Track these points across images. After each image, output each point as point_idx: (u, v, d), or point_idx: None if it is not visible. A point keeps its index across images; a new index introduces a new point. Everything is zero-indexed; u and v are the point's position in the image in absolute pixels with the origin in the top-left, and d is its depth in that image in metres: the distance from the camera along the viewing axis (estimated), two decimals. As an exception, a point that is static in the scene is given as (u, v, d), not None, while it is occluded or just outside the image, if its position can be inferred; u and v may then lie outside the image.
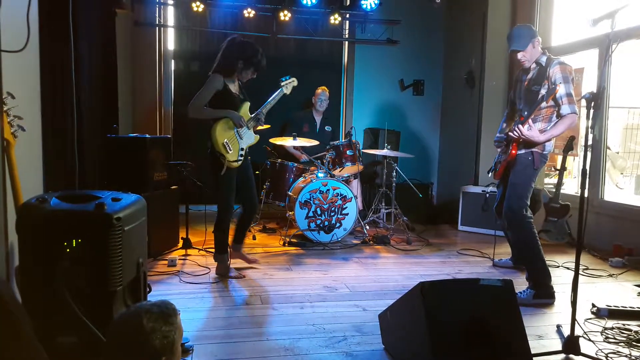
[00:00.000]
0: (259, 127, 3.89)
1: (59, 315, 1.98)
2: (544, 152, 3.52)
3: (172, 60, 6.57)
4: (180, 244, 4.57)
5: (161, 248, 4.37)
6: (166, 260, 4.12)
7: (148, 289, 3.18)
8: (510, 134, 3.49)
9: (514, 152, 3.51)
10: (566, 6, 5.69)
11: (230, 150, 3.64)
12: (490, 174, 3.85)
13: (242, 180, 3.81)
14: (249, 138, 3.80)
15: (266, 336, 2.78)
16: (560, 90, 3.34)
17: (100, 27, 4.91)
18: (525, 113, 3.47)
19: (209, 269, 3.94)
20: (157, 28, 6.32)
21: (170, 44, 6.55)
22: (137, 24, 6.13)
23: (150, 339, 1.57)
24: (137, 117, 6.21)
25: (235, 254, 3.99)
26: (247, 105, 3.80)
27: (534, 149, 3.47)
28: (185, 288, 3.53)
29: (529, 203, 3.54)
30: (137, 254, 2.24)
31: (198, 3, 6.01)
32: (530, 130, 3.37)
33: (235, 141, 3.69)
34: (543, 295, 3.41)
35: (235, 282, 3.58)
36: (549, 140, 3.45)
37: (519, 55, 3.52)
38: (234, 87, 3.72)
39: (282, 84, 3.92)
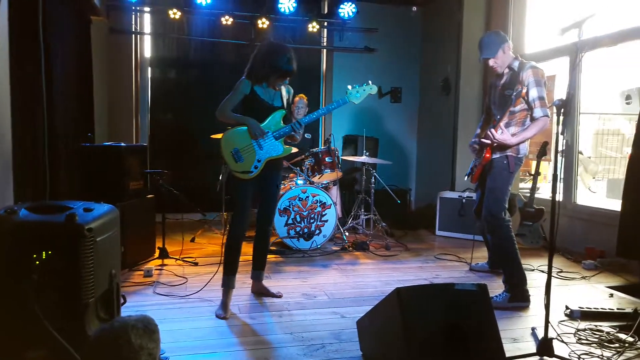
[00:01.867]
0: (294, 140, 3.49)
1: (29, 330, 1.94)
2: (519, 156, 3.55)
3: (149, 68, 6.52)
4: (156, 254, 4.51)
5: (137, 258, 4.31)
6: (142, 270, 4.07)
7: (122, 301, 3.16)
8: (483, 139, 3.54)
9: (487, 155, 3.55)
10: (539, 15, 5.81)
11: (241, 160, 3.30)
12: (467, 177, 3.89)
13: (262, 196, 3.50)
14: (273, 150, 3.35)
15: (244, 346, 2.76)
16: (533, 93, 3.39)
17: (74, 35, 4.85)
18: (498, 117, 3.51)
19: (186, 279, 3.91)
20: (133, 35, 6.27)
21: (147, 51, 6.51)
22: (112, 32, 6.08)
23: (138, 356, 1.56)
24: (114, 126, 6.14)
25: (254, 284, 3.64)
26: (279, 113, 3.39)
27: (508, 153, 3.50)
28: (161, 299, 3.48)
29: (507, 206, 3.59)
30: (109, 265, 2.21)
31: (175, 10, 6.00)
32: (502, 134, 3.41)
33: (251, 151, 3.31)
34: (519, 298, 3.45)
35: (214, 292, 3.54)
36: (521, 142, 3.49)
37: (490, 62, 3.57)
38: (265, 93, 3.36)
39: (349, 92, 3.44)
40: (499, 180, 3.55)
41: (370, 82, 3.48)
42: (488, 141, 3.48)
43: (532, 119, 3.46)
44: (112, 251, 2.26)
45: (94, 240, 2.03)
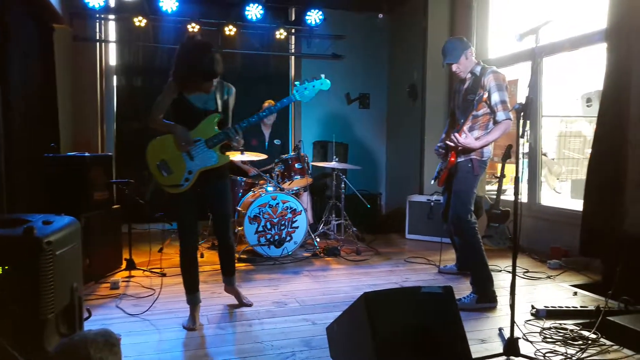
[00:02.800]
0: (235, 150, 3.26)
1: (-15, 347, 1.88)
2: (483, 159, 3.62)
3: (115, 76, 6.42)
4: (123, 266, 4.43)
5: (103, 270, 4.22)
6: (109, 283, 3.99)
7: (87, 314, 3.09)
8: (448, 142, 3.60)
9: (452, 159, 3.62)
10: (501, 21, 5.94)
11: (169, 172, 3.03)
12: (433, 181, 3.96)
13: (210, 208, 3.33)
14: (206, 159, 3.04)
15: (212, 357, 2.72)
16: (495, 97, 3.48)
17: (36, 43, 4.75)
18: (462, 121, 3.57)
19: (154, 290, 3.84)
20: (98, 43, 6.17)
21: (112, 59, 6.41)
22: (76, 39, 5.98)
23: None
24: (79, 135, 6.02)
25: (227, 288, 3.53)
26: (213, 118, 3.04)
27: (472, 156, 3.57)
28: (128, 311, 3.41)
29: (472, 208, 3.66)
30: (71, 278, 2.16)
31: (140, 18, 5.94)
32: (466, 137, 3.48)
33: (180, 162, 3.03)
34: (486, 299, 3.50)
35: (182, 303, 3.49)
36: (485, 146, 3.56)
37: (454, 67, 3.65)
38: (196, 96, 3.05)
39: (297, 88, 3.17)
40: (464, 183, 3.62)
41: (322, 75, 3.17)
42: (453, 144, 3.54)
43: (495, 123, 3.54)
44: (73, 264, 2.21)
45: (53, 253, 1.98)
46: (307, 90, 3.13)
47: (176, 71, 2.98)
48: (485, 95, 3.44)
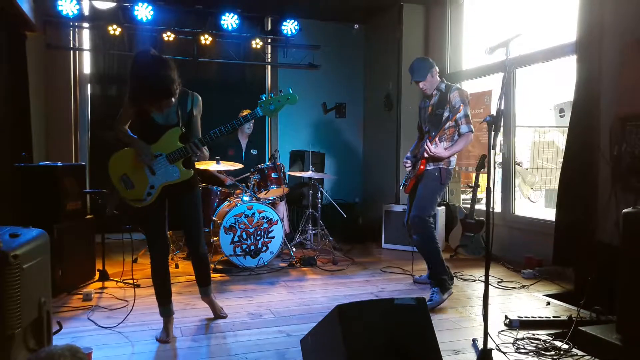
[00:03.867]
0: (201, 160, 3.14)
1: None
2: (449, 168, 3.93)
3: (89, 84, 6.34)
4: (96, 277, 4.35)
5: (76, 281, 4.14)
6: (81, 294, 3.91)
7: (58, 327, 3.03)
8: (423, 153, 3.83)
9: (422, 167, 3.88)
10: (475, 33, 6.05)
11: (132, 186, 2.97)
12: (401, 188, 4.18)
13: (180, 219, 3.18)
14: (168, 175, 2.96)
15: (185, 370, 2.69)
16: (459, 113, 3.79)
17: (8, 51, 4.67)
18: (433, 133, 3.83)
19: (127, 301, 3.77)
20: (71, 51, 6.09)
21: (86, 67, 6.32)
22: (49, 47, 5.90)
23: None
24: (51, 144, 5.93)
25: (203, 298, 3.45)
26: (174, 132, 2.94)
27: (441, 165, 3.87)
28: (100, 323, 3.34)
29: (432, 213, 3.89)
30: (38, 292, 2.10)
31: (115, 26, 5.88)
32: (437, 147, 3.75)
33: (142, 176, 2.95)
34: (445, 289, 3.74)
35: (155, 314, 3.43)
36: (452, 155, 3.87)
37: (421, 85, 3.97)
38: (155, 111, 2.90)
39: (262, 102, 3.02)
40: (429, 188, 3.88)
41: (290, 89, 3.08)
42: (426, 154, 3.79)
43: (459, 134, 3.86)
44: (41, 278, 2.16)
45: (19, 267, 1.93)
46: (272, 106, 3.02)
47: (130, 90, 2.80)
48: (452, 113, 3.75)
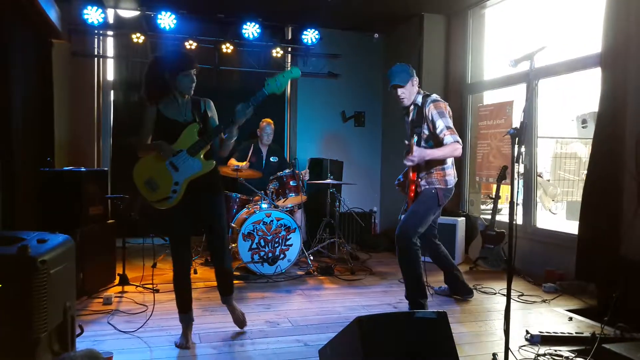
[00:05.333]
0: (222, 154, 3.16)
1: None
2: (448, 187, 3.71)
3: (112, 91, 6.44)
4: (116, 281, 4.40)
5: (96, 285, 4.20)
6: (101, 298, 3.96)
7: (80, 331, 3.06)
8: (406, 162, 3.56)
9: (412, 194, 3.68)
10: (497, 42, 6.02)
11: (156, 187, 3.01)
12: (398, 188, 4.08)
13: (204, 225, 3.20)
14: (191, 167, 3.01)
15: (204, 377, 2.70)
16: (439, 125, 3.55)
17: (35, 58, 4.78)
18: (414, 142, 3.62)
19: (146, 306, 3.81)
20: (95, 58, 6.20)
21: (110, 74, 6.43)
22: (75, 55, 6.01)
23: None
24: (75, 150, 6.02)
25: (227, 306, 3.40)
26: (192, 128, 3.04)
27: (437, 186, 3.67)
28: (120, 328, 3.38)
29: (420, 232, 3.69)
30: (64, 297, 2.14)
31: (138, 34, 5.97)
32: (416, 150, 3.50)
33: (166, 175, 3.00)
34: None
35: (174, 320, 3.46)
36: (433, 157, 3.57)
37: (399, 92, 3.67)
38: (172, 112, 3.06)
39: (267, 82, 3.02)
40: (423, 206, 3.68)
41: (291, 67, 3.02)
42: (410, 162, 3.54)
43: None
44: (66, 283, 2.19)
45: (47, 272, 1.96)
46: (278, 82, 3.02)
47: (151, 87, 3.03)
48: (432, 130, 3.56)
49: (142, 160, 3.07)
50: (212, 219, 3.15)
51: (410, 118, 3.74)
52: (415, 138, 3.60)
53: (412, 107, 3.73)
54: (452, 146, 3.52)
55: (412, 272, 3.67)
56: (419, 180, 3.72)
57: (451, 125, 3.59)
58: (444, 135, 3.54)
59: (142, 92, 3.07)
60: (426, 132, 3.62)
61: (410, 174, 3.71)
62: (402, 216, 3.82)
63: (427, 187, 3.70)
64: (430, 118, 3.58)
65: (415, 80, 3.69)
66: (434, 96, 3.70)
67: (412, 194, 3.69)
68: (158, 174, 3.01)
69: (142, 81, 3.08)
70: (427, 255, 4.29)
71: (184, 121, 3.06)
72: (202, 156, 3.05)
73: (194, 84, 3.06)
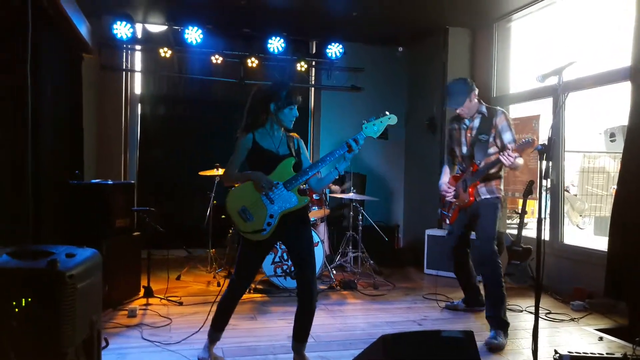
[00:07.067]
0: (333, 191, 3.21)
1: (4, 380, 1.88)
2: (502, 195, 3.82)
3: (139, 104, 6.56)
4: (141, 293, 4.44)
5: (121, 297, 4.24)
6: (126, 310, 4.00)
7: (105, 344, 3.10)
8: (504, 160, 3.47)
9: (472, 198, 3.75)
10: (523, 55, 5.95)
11: (251, 219, 2.93)
12: (447, 220, 4.04)
13: (291, 255, 3.17)
14: (286, 201, 2.94)
15: (227, 392, 2.69)
16: (507, 137, 3.68)
17: (65, 72, 4.89)
18: (478, 161, 3.70)
19: (170, 319, 3.83)
20: (124, 72, 6.33)
21: (137, 88, 6.56)
22: (104, 68, 6.14)
23: None
24: (102, 162, 6.13)
25: (295, 356, 3.11)
26: (288, 162, 3.00)
27: (497, 194, 3.75)
28: (144, 341, 3.40)
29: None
30: (90, 311, 2.16)
31: (166, 49, 6.08)
32: (513, 158, 3.46)
33: (261, 207, 2.93)
34: (506, 333, 3.53)
35: (199, 333, 3.46)
36: (516, 165, 3.55)
37: (458, 110, 3.81)
38: (269, 142, 3.03)
39: (365, 126, 3.05)
40: (491, 219, 3.73)
41: (387, 112, 3.12)
42: (509, 161, 3.46)
43: None
44: (93, 297, 2.22)
45: (74, 287, 1.99)
46: (376, 127, 3.07)
47: (252, 116, 3.03)
48: (501, 139, 3.65)
49: (236, 189, 3.03)
50: (304, 252, 3.04)
51: (471, 125, 3.80)
52: (478, 160, 3.70)
53: (475, 115, 3.80)
54: (521, 158, 3.60)
55: (499, 290, 3.62)
56: (478, 188, 3.77)
57: (516, 138, 3.70)
58: (511, 147, 3.57)
59: (245, 120, 3.04)
60: (491, 139, 3.69)
61: (468, 195, 3.74)
62: (447, 220, 4.01)
63: (487, 196, 3.75)
64: (499, 128, 3.69)
65: (474, 94, 3.75)
66: (500, 108, 3.86)
67: (471, 201, 3.75)
68: (252, 205, 2.94)
69: (245, 110, 3.06)
70: (452, 269, 4.28)
71: (277, 153, 3.03)
72: (296, 191, 3.01)
73: (295, 118, 3.07)
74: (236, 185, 3.04)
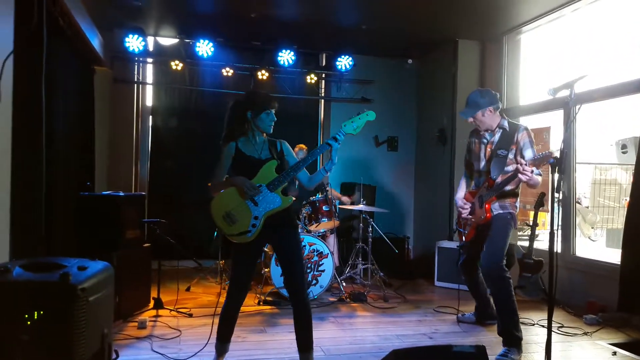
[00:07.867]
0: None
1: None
2: (517, 212, 3.72)
3: (150, 116, 6.62)
4: (151, 304, 4.45)
5: (131, 309, 4.25)
6: (136, 322, 4.01)
7: (115, 356, 3.10)
8: (521, 175, 3.33)
9: (488, 215, 3.65)
10: (533, 67, 5.94)
11: (235, 221, 2.98)
12: (463, 238, 3.95)
13: (282, 261, 3.16)
14: (270, 202, 2.99)
15: (237, 406, 2.68)
16: (529, 154, 3.56)
17: (78, 85, 4.95)
18: (495, 177, 3.60)
19: (180, 331, 3.83)
20: (135, 85, 6.40)
21: (149, 100, 6.63)
22: (116, 81, 6.21)
23: None
24: (113, 174, 6.18)
25: None
26: (271, 164, 3.06)
27: (510, 210, 3.67)
28: (154, 353, 3.40)
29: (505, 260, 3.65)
30: (102, 324, 2.17)
31: (177, 62, 6.14)
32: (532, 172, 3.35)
33: (245, 210, 2.98)
34: (520, 348, 3.45)
35: (208, 346, 3.45)
36: (534, 181, 3.42)
37: (470, 121, 3.77)
38: (253, 149, 3.10)
39: (344, 125, 3.14)
40: (502, 233, 3.64)
41: (365, 110, 3.22)
42: (526, 177, 3.32)
43: None
44: (104, 310, 2.23)
45: (86, 300, 2.00)
46: (355, 123, 3.16)
47: (232, 125, 3.09)
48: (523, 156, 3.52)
49: (220, 195, 3.07)
50: (291, 254, 3.08)
51: (492, 139, 3.73)
52: (494, 175, 3.61)
53: (497, 129, 3.72)
54: (539, 177, 3.52)
55: (509, 304, 3.53)
56: (493, 205, 3.70)
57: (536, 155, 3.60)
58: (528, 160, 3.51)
59: (225, 129, 3.11)
60: (511, 156, 3.60)
61: (485, 212, 3.66)
62: (464, 238, 3.91)
63: (500, 212, 3.67)
64: (520, 145, 3.60)
65: (493, 108, 3.67)
66: (523, 124, 3.80)
67: (487, 217, 3.66)
68: (236, 208, 3.00)
69: (227, 118, 3.12)
70: (465, 283, 4.24)
71: (259, 157, 3.09)
72: (280, 192, 3.06)
73: (273, 122, 3.13)
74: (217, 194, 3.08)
